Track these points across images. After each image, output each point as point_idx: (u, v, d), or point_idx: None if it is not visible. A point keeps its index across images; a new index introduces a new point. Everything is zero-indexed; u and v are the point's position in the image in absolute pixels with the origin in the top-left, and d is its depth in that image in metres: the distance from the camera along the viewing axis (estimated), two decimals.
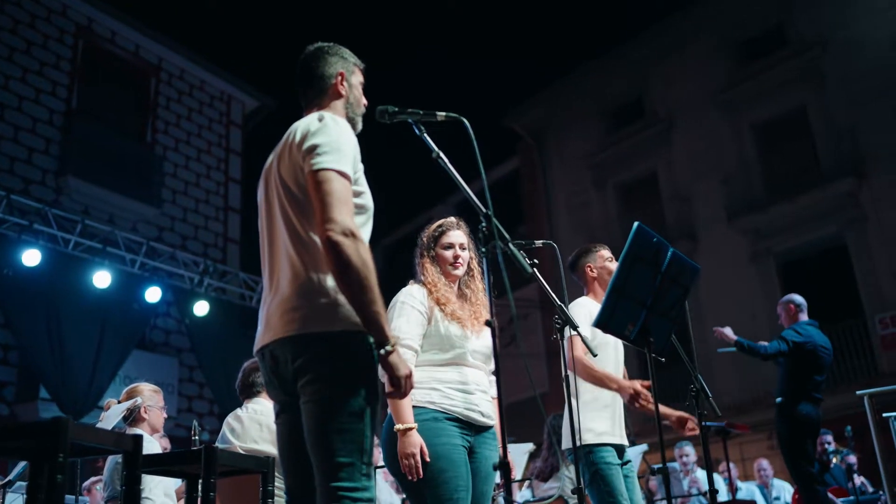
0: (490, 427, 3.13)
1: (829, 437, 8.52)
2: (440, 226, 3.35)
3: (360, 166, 2.40)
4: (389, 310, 3.13)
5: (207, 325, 11.50)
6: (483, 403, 3.09)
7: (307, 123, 2.37)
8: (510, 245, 2.69)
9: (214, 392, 12.19)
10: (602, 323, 3.08)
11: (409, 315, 3.08)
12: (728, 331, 6.57)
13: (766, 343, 6.51)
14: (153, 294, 10.71)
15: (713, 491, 3.77)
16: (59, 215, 10.15)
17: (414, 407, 2.93)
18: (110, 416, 4.21)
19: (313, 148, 2.28)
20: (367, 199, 2.41)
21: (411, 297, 3.15)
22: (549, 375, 17.67)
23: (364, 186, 2.40)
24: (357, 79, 2.66)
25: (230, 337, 11.79)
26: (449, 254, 3.26)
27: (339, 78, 2.59)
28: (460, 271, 3.28)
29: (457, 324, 3.12)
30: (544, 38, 29.23)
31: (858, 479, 8.63)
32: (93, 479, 6.34)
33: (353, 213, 2.26)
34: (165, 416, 4.62)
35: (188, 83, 15.27)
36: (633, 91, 19.57)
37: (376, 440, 2.66)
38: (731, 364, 14.36)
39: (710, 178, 17.41)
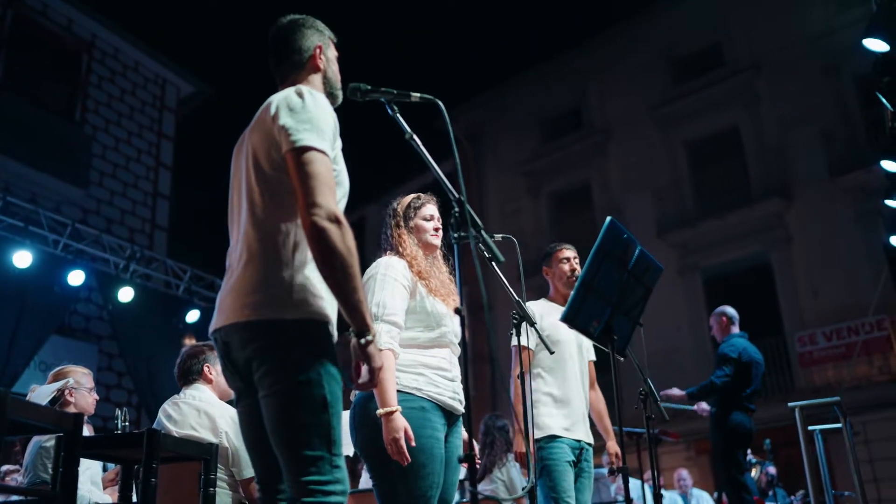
0: (461, 415, 3.01)
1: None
2: (418, 197, 3.25)
3: (339, 142, 2.30)
4: (367, 282, 2.97)
5: (131, 312, 11.11)
6: (461, 392, 2.99)
7: (284, 97, 2.25)
8: (483, 233, 2.61)
9: (134, 382, 11.80)
10: (569, 318, 3.02)
11: (392, 288, 2.92)
12: (675, 391, 6.69)
13: (709, 378, 6.61)
14: (76, 277, 10.30)
15: (658, 496, 3.77)
16: None
17: (400, 392, 2.80)
18: (38, 398, 3.99)
19: (291, 124, 2.17)
20: (343, 178, 2.31)
21: (392, 269, 2.98)
22: (474, 379, 17.70)
23: (340, 164, 2.31)
24: (333, 53, 2.58)
25: (154, 325, 11.43)
26: (430, 224, 3.16)
27: (317, 51, 2.49)
28: (438, 242, 3.18)
29: (440, 301, 3.00)
30: (484, 43, 29.35)
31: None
32: (6, 467, 5.87)
33: (336, 195, 2.16)
34: (96, 397, 4.39)
35: (122, 63, 14.80)
36: (570, 101, 19.80)
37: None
38: (653, 375, 14.57)
39: (642, 191, 17.74)
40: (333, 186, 2.15)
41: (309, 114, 2.19)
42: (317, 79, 2.48)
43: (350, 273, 2.07)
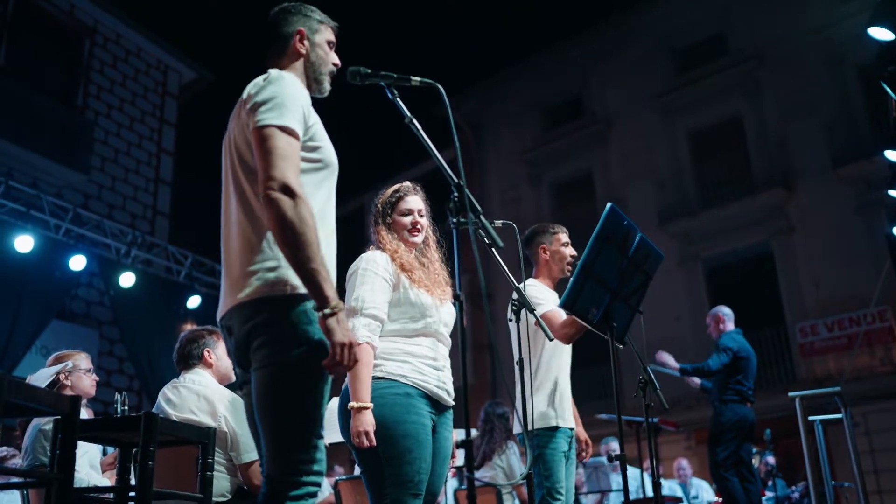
0: (451, 407, 3.01)
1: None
2: (396, 191, 3.18)
3: (315, 118, 2.32)
4: (350, 278, 2.98)
5: (132, 297, 11.14)
6: (450, 382, 2.98)
7: (253, 84, 2.31)
8: (481, 218, 2.60)
9: (135, 367, 11.84)
10: (569, 303, 3.00)
11: (372, 282, 2.90)
12: (670, 359, 6.79)
13: (706, 361, 6.78)
14: (77, 262, 10.32)
15: (657, 484, 3.77)
16: None
17: (385, 379, 2.81)
18: (36, 382, 3.99)
19: (256, 106, 2.21)
20: (326, 154, 2.33)
21: (374, 262, 2.96)
22: (474, 367, 17.67)
23: (321, 140, 2.32)
24: (323, 37, 2.56)
25: (155, 311, 11.49)
26: (407, 220, 3.11)
27: (298, 37, 2.50)
28: (419, 238, 3.13)
29: (425, 291, 2.99)
30: (485, 30, 29.24)
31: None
32: (5, 449, 5.84)
33: (298, 170, 2.17)
34: (95, 378, 4.39)
35: (124, 48, 14.75)
36: (572, 89, 19.71)
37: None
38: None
39: (644, 180, 17.69)
40: (293, 160, 2.16)
41: (273, 93, 2.22)
42: (298, 64, 2.50)
43: (301, 241, 2.06)
